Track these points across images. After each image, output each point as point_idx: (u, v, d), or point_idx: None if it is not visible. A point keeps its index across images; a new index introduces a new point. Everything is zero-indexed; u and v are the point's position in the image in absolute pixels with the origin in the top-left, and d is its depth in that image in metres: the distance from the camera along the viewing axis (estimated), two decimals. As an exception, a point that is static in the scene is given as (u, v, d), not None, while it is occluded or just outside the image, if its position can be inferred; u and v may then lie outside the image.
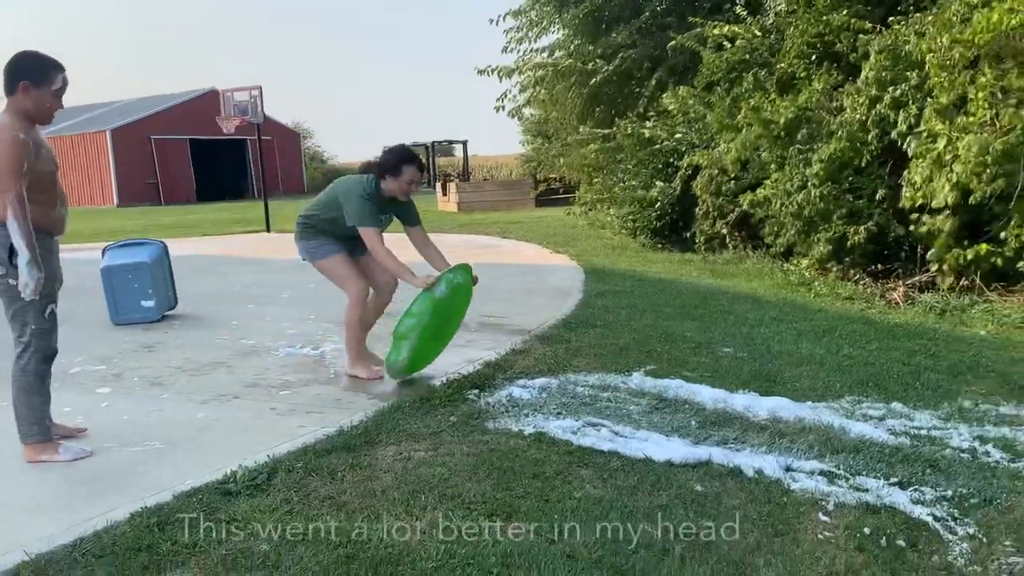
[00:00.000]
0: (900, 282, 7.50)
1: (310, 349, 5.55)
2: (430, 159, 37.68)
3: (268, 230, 16.65)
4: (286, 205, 27.60)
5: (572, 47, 14.61)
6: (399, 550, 2.56)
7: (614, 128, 11.98)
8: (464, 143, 35.36)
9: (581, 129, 13.83)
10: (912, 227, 7.20)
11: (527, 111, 17.71)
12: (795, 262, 8.56)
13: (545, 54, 15.54)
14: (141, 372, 5.10)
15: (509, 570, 2.46)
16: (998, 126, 5.91)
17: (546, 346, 5.31)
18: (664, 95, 11.03)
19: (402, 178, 4.46)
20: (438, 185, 25.45)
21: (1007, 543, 2.77)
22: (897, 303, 7.07)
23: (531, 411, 3.92)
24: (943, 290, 7.11)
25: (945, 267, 6.96)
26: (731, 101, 9.21)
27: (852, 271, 7.96)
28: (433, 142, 37.53)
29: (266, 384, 4.72)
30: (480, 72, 15.27)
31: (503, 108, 16.16)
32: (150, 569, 2.52)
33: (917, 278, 7.50)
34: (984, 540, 2.79)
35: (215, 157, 38.14)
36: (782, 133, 8.27)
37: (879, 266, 8.06)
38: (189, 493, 3.06)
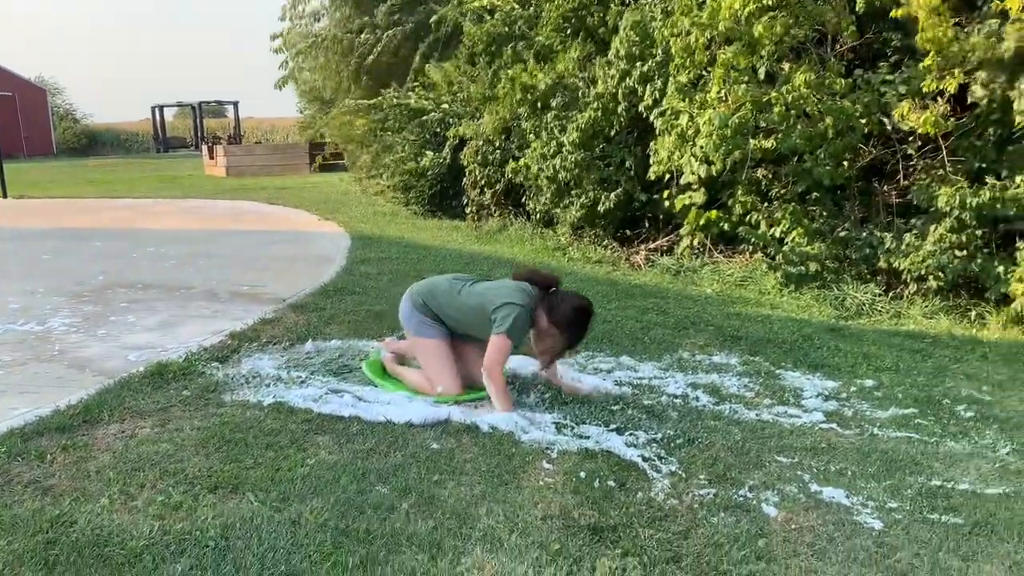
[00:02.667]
0: (643, 247, 8.11)
1: (34, 324, 5.07)
2: (197, 120, 35.51)
3: (4, 196, 14.97)
4: (31, 168, 24.95)
5: (338, 17, 14.30)
6: (108, 531, 2.44)
7: (380, 98, 11.87)
8: (235, 104, 33.65)
9: (347, 101, 13.58)
10: (656, 196, 7.77)
11: (304, 75, 17.17)
12: (554, 228, 8.98)
13: (317, 23, 15.14)
14: None
15: (228, 541, 2.42)
16: (730, 102, 6.49)
17: (298, 315, 5.21)
18: (428, 67, 11.08)
19: (559, 334, 3.73)
20: (204, 148, 24.03)
21: (702, 477, 3.10)
22: (639, 266, 7.64)
23: (273, 382, 3.85)
24: (679, 254, 7.76)
25: (683, 231, 7.59)
26: (492, 73, 9.42)
27: (603, 237, 8.47)
28: (201, 102, 35.38)
29: (-23, 365, 4.27)
30: (273, 38, 14.78)
31: (283, 84, 15.75)
32: None
33: (658, 242, 8.14)
34: (683, 476, 3.11)
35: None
36: (539, 103, 8.57)
37: (627, 232, 8.64)
38: None
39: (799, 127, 6.39)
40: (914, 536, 2.69)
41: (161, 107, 37.41)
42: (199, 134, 33.56)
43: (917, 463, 3.30)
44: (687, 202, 7.22)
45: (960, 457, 3.41)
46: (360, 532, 2.53)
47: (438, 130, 11.04)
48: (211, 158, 22.44)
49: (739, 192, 6.97)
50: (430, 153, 10.84)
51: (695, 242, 7.56)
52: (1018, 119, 5.70)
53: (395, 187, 11.72)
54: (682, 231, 7.45)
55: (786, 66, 6.58)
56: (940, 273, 6.03)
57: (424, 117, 11.12)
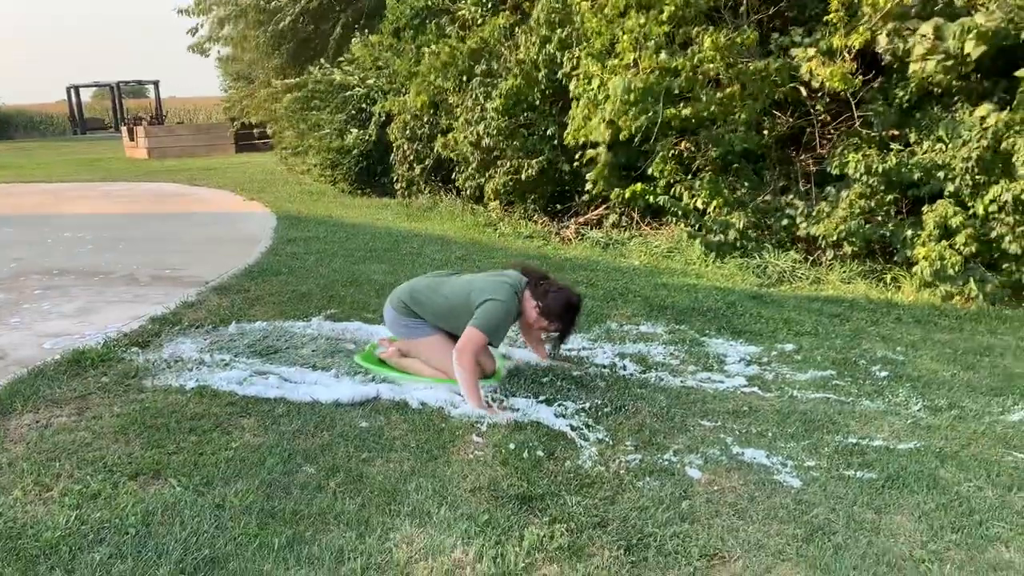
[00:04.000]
0: (573, 220, 8.16)
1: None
2: (116, 101, 34.22)
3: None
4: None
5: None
6: (22, 523, 2.36)
7: (305, 75, 11.63)
8: (156, 83, 32.50)
9: (274, 82, 13.27)
10: (576, 163, 7.79)
11: (223, 50, 16.68)
12: (484, 205, 8.96)
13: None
14: None
15: (150, 527, 2.37)
16: (640, 68, 6.53)
17: (222, 297, 5.10)
18: (353, 42, 10.89)
19: (549, 327, 3.78)
20: (124, 129, 23.21)
21: (628, 443, 3.16)
22: (570, 239, 7.70)
23: (196, 365, 3.76)
24: (608, 226, 7.84)
25: (610, 203, 7.66)
26: (416, 48, 9.31)
27: (533, 211, 8.50)
28: (119, 82, 34.08)
29: None
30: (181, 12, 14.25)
31: (201, 51, 15.22)
32: None
33: (588, 216, 8.20)
34: (611, 443, 3.16)
35: None
36: (464, 74, 8.49)
37: (557, 206, 8.68)
38: None
39: (710, 93, 6.47)
40: (831, 492, 2.79)
41: (77, 88, 35.91)
42: (119, 115, 32.35)
43: (834, 422, 3.42)
44: (592, 156, 7.22)
45: (875, 415, 3.54)
46: (286, 513, 2.50)
47: (363, 106, 10.87)
48: (132, 140, 21.70)
49: (657, 160, 7.03)
50: (355, 131, 10.68)
51: (611, 200, 7.59)
52: (913, 67, 5.87)
53: (321, 165, 11.53)
54: (588, 179, 7.42)
55: (698, 32, 6.65)
56: (853, 239, 6.21)
57: (349, 93, 10.93)
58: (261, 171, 14.86)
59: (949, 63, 5.77)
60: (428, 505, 2.59)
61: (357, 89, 10.83)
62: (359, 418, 3.29)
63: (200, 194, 11.91)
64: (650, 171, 7.09)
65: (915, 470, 2.97)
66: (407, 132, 9.87)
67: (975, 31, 5.51)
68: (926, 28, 5.77)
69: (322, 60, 11.89)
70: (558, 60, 7.57)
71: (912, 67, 5.88)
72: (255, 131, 20.77)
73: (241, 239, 7.60)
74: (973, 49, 5.58)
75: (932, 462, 3.06)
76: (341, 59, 11.64)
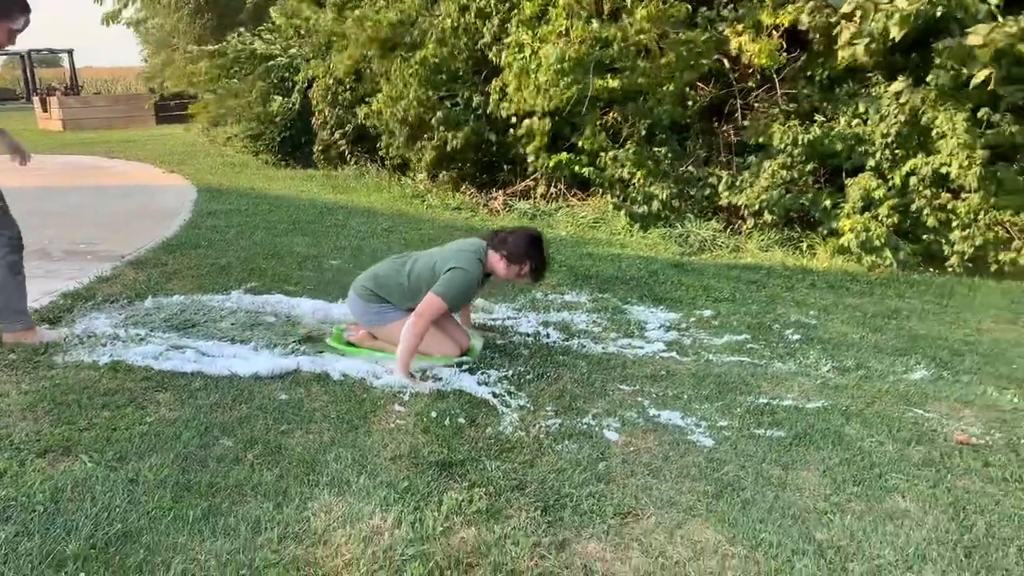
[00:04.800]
0: (501, 191, 8.17)
1: None
2: (27, 71, 32.69)
3: None
4: None
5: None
6: (-79, 505, 2.29)
7: (224, 42, 11.28)
8: (70, 52, 31.11)
9: (191, 47, 12.82)
10: (507, 135, 7.79)
11: (138, 14, 15.99)
12: (411, 175, 8.89)
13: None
14: None
15: (59, 504, 2.31)
16: (572, 37, 6.55)
17: (138, 271, 4.96)
18: (271, 9, 10.61)
19: (523, 270, 3.68)
20: (36, 100, 22.22)
21: (549, 408, 3.22)
22: (497, 211, 7.71)
23: (109, 341, 3.66)
24: (536, 197, 7.88)
25: (538, 175, 7.69)
26: (338, 10, 9.12)
27: (460, 182, 8.47)
28: (31, 51, 32.50)
29: None
30: None
31: (114, 19, 14.54)
32: None
33: (516, 187, 8.22)
34: (532, 409, 3.21)
35: None
36: (388, 42, 8.36)
37: (485, 177, 8.68)
38: None
39: (641, 64, 6.53)
40: (741, 450, 2.89)
41: (-18, 55, 34.13)
42: (30, 86, 30.92)
43: (747, 384, 3.54)
44: (531, 128, 7.22)
45: (786, 376, 3.67)
46: (202, 486, 2.47)
47: (286, 75, 10.63)
48: (45, 111, 20.81)
49: (587, 132, 7.08)
50: (279, 98, 10.45)
51: (545, 185, 7.65)
52: (841, 54, 6.04)
53: (244, 135, 11.26)
54: (529, 157, 7.42)
55: (632, 2, 6.69)
56: (774, 208, 6.39)
57: (271, 62, 10.67)
58: (182, 143, 14.45)
59: (873, 46, 5.94)
60: (347, 474, 2.59)
61: (280, 59, 10.58)
62: (279, 391, 3.26)
63: (118, 167, 11.51)
64: (579, 143, 7.14)
65: (822, 428, 3.10)
66: (328, 97, 9.68)
67: (898, 15, 5.68)
68: (847, 8, 5.92)
69: (241, 29, 11.55)
70: (479, 30, 7.52)
71: (841, 53, 6.02)
72: (176, 102, 20.12)
73: (160, 212, 7.39)
74: (897, 32, 5.75)
75: (838, 420, 3.19)
76: (261, 27, 11.33)
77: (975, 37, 5.44)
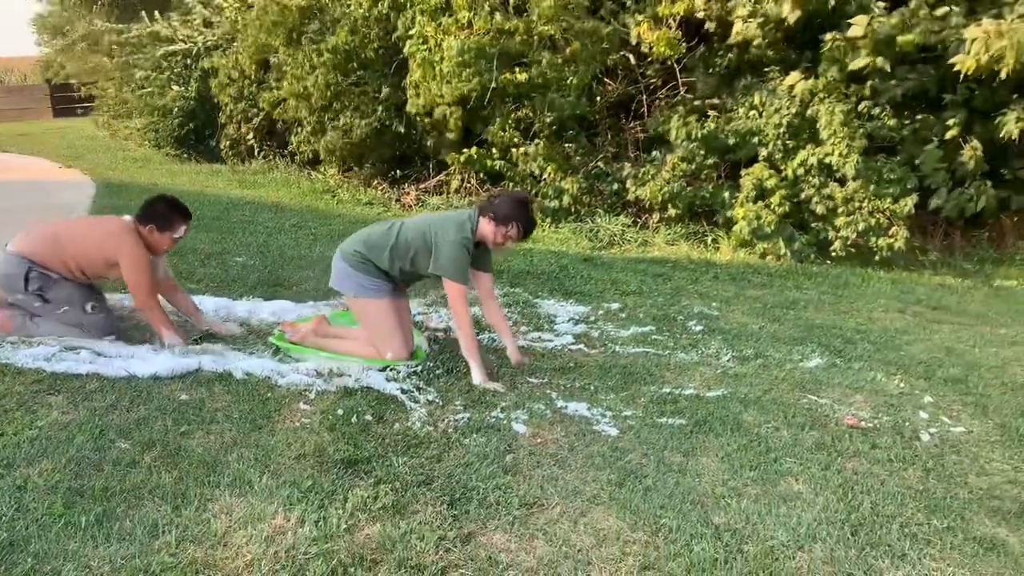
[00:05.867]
0: (413, 187, 8.13)
1: None
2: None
3: None
4: None
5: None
6: None
7: (128, 26, 10.87)
8: (-46, 40, 29.40)
9: (95, 22, 12.29)
10: (418, 128, 7.75)
11: (38, 6, 15.29)
12: (321, 170, 8.76)
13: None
14: None
15: (-62, 516, 2.20)
16: (475, 28, 6.57)
17: (29, 270, 4.74)
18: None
19: (509, 232, 3.56)
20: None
21: (458, 403, 3.23)
22: (410, 206, 7.67)
23: (-3, 342, 3.50)
24: (450, 192, 7.87)
25: (450, 170, 7.68)
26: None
27: (372, 177, 8.40)
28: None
29: None
30: None
31: None
32: None
33: (429, 182, 8.19)
34: (440, 403, 3.21)
35: None
36: (294, 31, 8.21)
37: (397, 172, 8.62)
38: None
39: (546, 56, 6.59)
40: (644, 439, 2.96)
41: None
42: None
43: (651, 374, 3.63)
44: (446, 114, 7.18)
45: (688, 366, 3.78)
46: (96, 490, 2.39)
47: (188, 62, 10.28)
48: (-73, 101, 19.65)
49: (495, 127, 7.11)
50: (176, 88, 10.10)
51: (459, 180, 7.66)
52: (736, 27, 6.22)
53: (143, 128, 10.87)
54: (446, 144, 7.40)
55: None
56: (676, 201, 6.55)
57: (171, 48, 10.29)
58: (81, 137, 13.88)
59: (769, 26, 6.14)
60: (250, 475, 2.54)
61: (180, 43, 10.21)
62: (179, 391, 3.17)
63: (10, 161, 10.98)
64: (489, 137, 7.17)
65: (721, 415, 3.21)
66: (233, 90, 9.44)
67: None
68: None
69: (143, 13, 11.14)
70: (392, 20, 7.46)
71: (735, 27, 6.20)
72: (76, 94, 19.30)
73: (56, 209, 7.08)
74: (790, 13, 5.96)
75: (737, 407, 3.31)
76: (168, 14, 10.96)
77: (856, 28, 5.71)
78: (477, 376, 3.47)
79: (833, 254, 6.28)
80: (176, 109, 10.06)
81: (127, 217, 3.77)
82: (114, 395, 3.08)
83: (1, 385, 3.09)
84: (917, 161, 6.37)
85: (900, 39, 5.81)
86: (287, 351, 3.65)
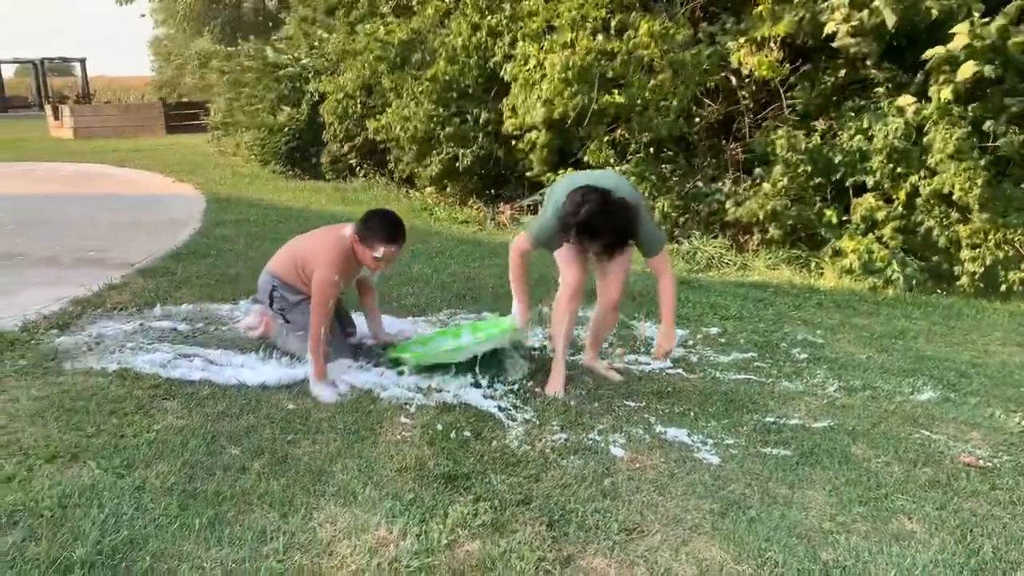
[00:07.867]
0: (508, 205, 8.19)
1: None
2: (40, 79, 32.94)
3: None
4: None
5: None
6: (-70, 508, 2.30)
7: (237, 48, 11.39)
8: (82, 61, 31.37)
9: (207, 43, 12.93)
10: (513, 150, 7.81)
11: (156, 31, 16.21)
12: (420, 191, 8.93)
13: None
14: None
15: (66, 510, 2.32)
16: (576, 49, 6.60)
17: (148, 279, 4.98)
18: (285, 19, 10.71)
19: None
20: (49, 108, 22.39)
21: (555, 423, 3.22)
22: (505, 224, 7.73)
23: (118, 348, 3.68)
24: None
25: (533, 172, 7.69)
26: (349, 26, 9.20)
27: (468, 196, 8.50)
28: (43, 59, 32.80)
29: None
30: None
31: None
32: None
33: (523, 202, 8.24)
34: (538, 423, 3.21)
35: None
36: (398, 59, 8.43)
37: (492, 191, 8.70)
38: None
39: (643, 79, 6.57)
40: (747, 469, 2.89)
41: (-2, 63, 34.39)
42: (43, 93, 31.14)
43: (754, 402, 3.53)
44: (533, 141, 7.25)
45: (793, 395, 3.67)
46: (209, 494, 2.48)
47: (297, 84, 10.69)
48: (56, 119, 20.94)
49: (592, 146, 7.10)
50: (287, 108, 10.50)
51: (549, 181, 7.67)
52: (836, 31, 6.01)
53: (251, 144, 11.32)
54: (532, 167, 7.45)
55: (634, 18, 6.75)
56: (777, 220, 6.37)
57: (281, 72, 10.74)
58: (192, 152, 14.53)
59: (868, 33, 5.96)
60: (353, 485, 2.59)
61: (289, 68, 10.64)
62: (286, 400, 3.27)
63: (128, 176, 11.57)
64: (585, 157, 7.17)
65: (828, 447, 3.10)
66: (339, 111, 9.74)
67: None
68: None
69: (252, 37, 11.65)
70: (489, 47, 7.57)
71: (829, 27, 6.02)
72: (186, 112, 20.28)
73: (169, 221, 7.43)
74: (888, 15, 5.75)
75: (844, 439, 3.18)
76: (274, 38, 11.43)
77: (960, 37, 5.46)
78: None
79: (961, 290, 6.01)
80: (287, 128, 10.46)
81: (349, 228, 3.62)
82: (225, 402, 3.19)
83: (122, 389, 3.25)
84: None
85: (1011, 43, 5.52)
86: (406, 361, 3.70)
